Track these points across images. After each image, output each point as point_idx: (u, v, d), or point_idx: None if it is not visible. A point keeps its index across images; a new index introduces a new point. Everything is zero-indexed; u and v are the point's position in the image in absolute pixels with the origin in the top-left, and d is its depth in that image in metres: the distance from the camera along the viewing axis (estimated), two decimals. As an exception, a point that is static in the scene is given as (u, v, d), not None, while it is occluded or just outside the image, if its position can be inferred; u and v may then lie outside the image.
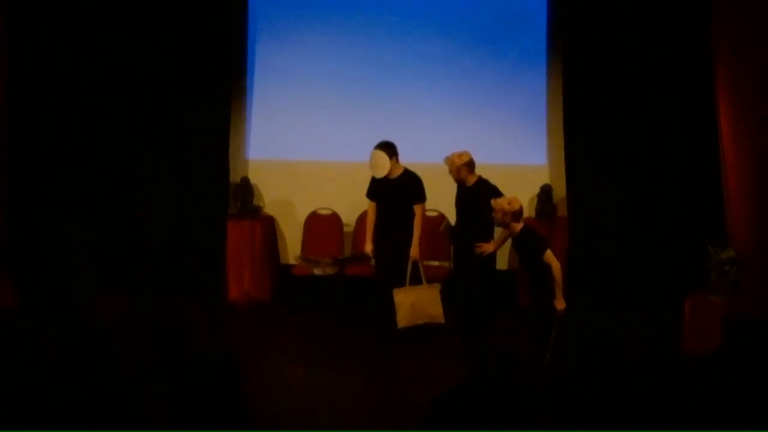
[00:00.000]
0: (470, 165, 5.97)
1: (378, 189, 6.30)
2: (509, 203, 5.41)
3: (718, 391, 2.66)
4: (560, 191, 7.27)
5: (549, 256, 5.27)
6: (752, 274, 5.72)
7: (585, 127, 7.00)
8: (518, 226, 5.42)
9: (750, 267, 5.74)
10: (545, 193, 7.26)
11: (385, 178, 6.19)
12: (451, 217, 7.06)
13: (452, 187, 6.16)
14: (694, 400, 2.61)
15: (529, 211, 7.14)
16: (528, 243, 5.41)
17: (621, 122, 6.91)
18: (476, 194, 5.92)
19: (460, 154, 5.96)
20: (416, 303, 6.07)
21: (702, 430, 2.47)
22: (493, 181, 6.03)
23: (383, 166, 6.14)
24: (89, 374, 2.81)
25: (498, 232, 5.97)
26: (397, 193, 6.22)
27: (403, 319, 6.05)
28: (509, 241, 5.86)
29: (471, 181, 5.99)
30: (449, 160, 5.98)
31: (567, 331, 5.23)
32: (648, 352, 5.34)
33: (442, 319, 6.11)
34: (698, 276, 6.00)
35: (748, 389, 2.69)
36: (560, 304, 5.27)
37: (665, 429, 2.50)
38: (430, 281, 6.27)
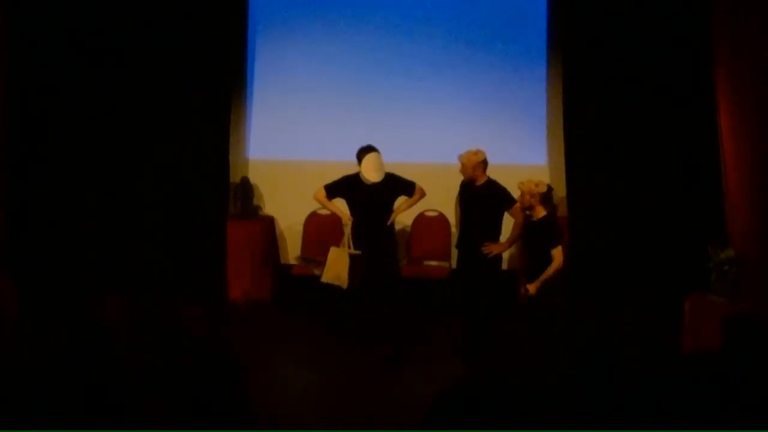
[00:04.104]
0: (485, 163, 5.89)
1: (358, 194, 6.21)
2: (536, 185, 5.39)
3: (718, 391, 2.66)
4: (560, 191, 7.27)
5: (558, 251, 5.26)
6: (752, 274, 5.72)
7: (585, 127, 6.99)
8: (542, 211, 5.37)
9: (750, 267, 5.74)
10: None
11: (369, 183, 6.13)
12: (451, 217, 7.08)
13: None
14: (694, 400, 2.61)
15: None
16: (545, 231, 5.34)
17: (621, 122, 6.91)
18: (486, 194, 5.87)
19: (476, 152, 5.84)
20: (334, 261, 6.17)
21: (702, 430, 2.47)
22: (493, 181, 6.01)
23: (382, 170, 6.12)
24: (89, 374, 2.81)
25: (505, 234, 5.95)
26: (384, 196, 6.16)
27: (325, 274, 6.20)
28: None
29: (482, 180, 5.93)
30: (465, 157, 5.84)
31: (557, 330, 5.24)
32: (648, 352, 5.35)
33: (344, 284, 6.16)
34: (698, 276, 6.00)
35: (748, 389, 2.69)
36: (533, 288, 5.30)
37: (665, 429, 2.50)
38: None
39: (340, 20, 7.50)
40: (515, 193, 5.84)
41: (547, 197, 5.40)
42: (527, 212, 5.54)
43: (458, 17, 7.47)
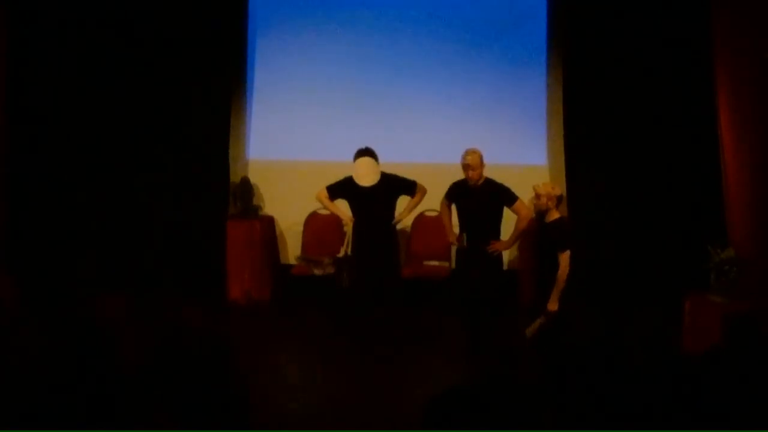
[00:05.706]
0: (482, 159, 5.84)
1: (358, 195, 6.17)
2: (552, 188, 5.38)
3: (718, 391, 2.66)
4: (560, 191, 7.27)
5: (565, 257, 5.21)
6: (752, 274, 5.72)
7: (585, 127, 7.00)
8: (556, 213, 5.36)
9: (750, 267, 5.74)
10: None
11: (366, 186, 6.11)
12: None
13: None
14: (695, 400, 2.61)
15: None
16: (556, 234, 5.30)
17: (621, 122, 6.92)
18: (487, 193, 5.85)
19: (473, 150, 5.75)
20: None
21: (702, 430, 2.47)
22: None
23: (374, 174, 6.07)
24: (89, 374, 2.81)
25: (506, 233, 5.94)
26: (383, 197, 6.14)
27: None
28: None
29: (481, 179, 5.86)
30: (472, 158, 5.72)
31: (557, 329, 5.22)
32: (647, 352, 5.34)
33: None
34: (698, 276, 6.00)
35: (748, 389, 2.69)
36: (553, 305, 5.24)
37: (665, 429, 2.50)
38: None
39: (339, 20, 7.49)
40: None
41: (561, 200, 5.40)
42: (537, 214, 5.52)
43: (458, 17, 7.46)
